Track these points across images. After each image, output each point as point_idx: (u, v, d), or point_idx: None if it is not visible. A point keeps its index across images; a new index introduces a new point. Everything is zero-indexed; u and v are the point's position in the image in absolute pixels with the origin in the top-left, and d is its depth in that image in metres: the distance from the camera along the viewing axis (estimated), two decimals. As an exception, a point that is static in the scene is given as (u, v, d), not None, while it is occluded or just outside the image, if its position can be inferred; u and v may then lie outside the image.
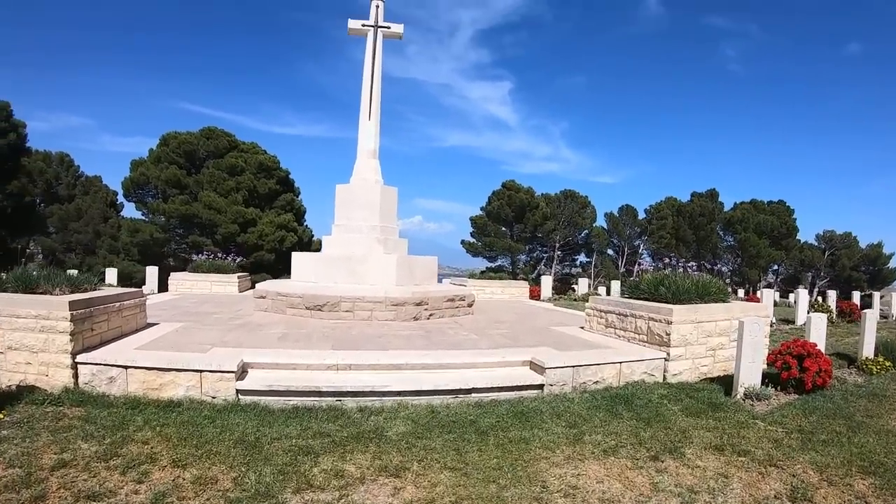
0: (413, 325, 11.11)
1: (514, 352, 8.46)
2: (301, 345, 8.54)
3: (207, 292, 17.50)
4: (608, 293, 26.15)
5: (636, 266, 51.54)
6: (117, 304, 8.28)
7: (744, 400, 7.66)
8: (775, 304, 32.44)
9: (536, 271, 52.30)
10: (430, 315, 11.87)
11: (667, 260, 51.01)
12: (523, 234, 47.76)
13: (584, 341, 9.61)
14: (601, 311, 10.47)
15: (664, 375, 8.56)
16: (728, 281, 50.53)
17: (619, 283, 21.35)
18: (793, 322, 16.86)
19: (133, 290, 9.51)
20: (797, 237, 49.11)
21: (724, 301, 9.86)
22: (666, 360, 8.57)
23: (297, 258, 13.58)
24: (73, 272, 9.19)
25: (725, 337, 9.17)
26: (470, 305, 13.05)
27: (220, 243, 32.58)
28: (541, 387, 7.49)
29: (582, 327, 11.02)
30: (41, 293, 7.40)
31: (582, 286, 25.18)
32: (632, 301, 9.80)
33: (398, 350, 8.33)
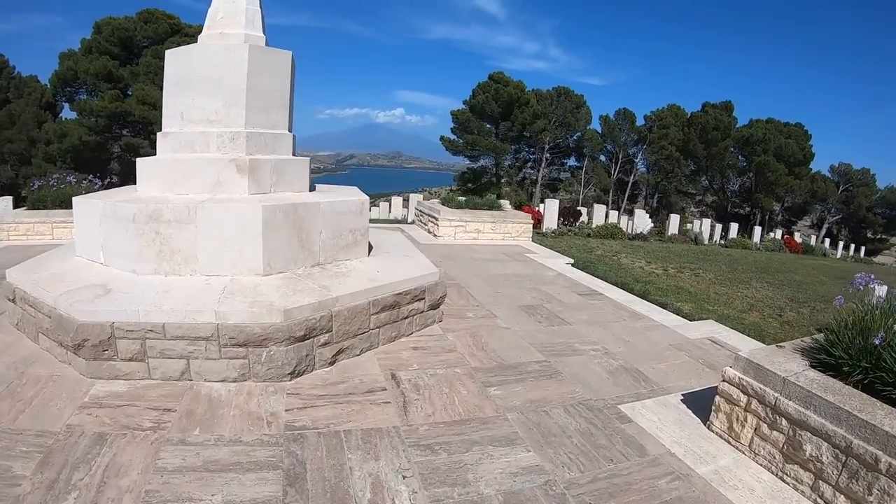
0: (270, 418, 3.92)
1: None
2: None
3: (48, 240, 9.61)
4: (630, 222, 19.03)
5: (631, 176, 44.82)
6: None
7: None
8: (809, 249, 25.69)
9: (522, 174, 45.58)
10: (337, 353, 4.69)
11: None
12: (510, 132, 40.34)
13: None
14: (802, 424, 3.46)
15: None
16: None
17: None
18: None
19: None
20: (809, 166, 42.41)
21: None
22: None
23: (80, 206, 5.50)
24: None
25: None
26: (435, 307, 5.83)
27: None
28: None
29: (709, 426, 4.07)
30: None
31: (597, 214, 17.93)
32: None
33: None
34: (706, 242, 19.52)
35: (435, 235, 11.63)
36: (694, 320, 7.17)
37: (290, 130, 6.05)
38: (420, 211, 13.41)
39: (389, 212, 23.57)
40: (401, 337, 5.29)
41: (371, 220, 20.65)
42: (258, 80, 5.59)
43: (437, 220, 11.60)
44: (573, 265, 10.29)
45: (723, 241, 21.49)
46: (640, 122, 44.41)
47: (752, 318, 8.41)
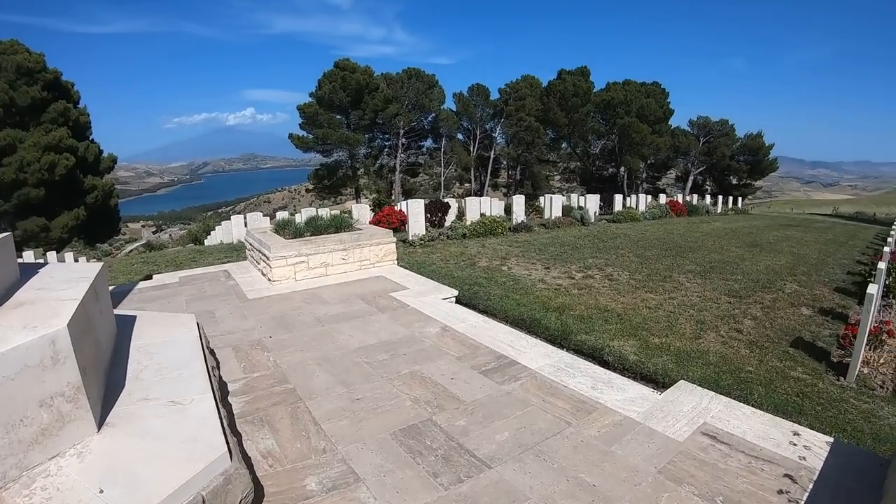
0: None
1: None
2: None
3: None
4: (508, 212, 16.70)
5: (491, 151, 43.36)
6: None
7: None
8: (693, 210, 24.80)
9: (379, 162, 42.79)
10: None
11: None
12: (362, 121, 37.40)
13: None
14: None
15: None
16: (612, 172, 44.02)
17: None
18: None
19: None
20: (669, 122, 43.22)
21: None
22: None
23: None
24: None
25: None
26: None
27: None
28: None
29: None
30: None
31: (471, 208, 15.20)
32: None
33: None
34: (593, 220, 17.77)
35: (270, 280, 8.59)
36: (666, 387, 4.84)
37: None
38: (250, 244, 10.20)
39: (232, 233, 19.89)
40: None
41: (205, 247, 16.99)
42: None
43: (268, 258, 8.54)
44: (458, 299, 7.70)
45: (605, 214, 20.00)
46: (494, 95, 43.05)
47: (714, 346, 6.25)
